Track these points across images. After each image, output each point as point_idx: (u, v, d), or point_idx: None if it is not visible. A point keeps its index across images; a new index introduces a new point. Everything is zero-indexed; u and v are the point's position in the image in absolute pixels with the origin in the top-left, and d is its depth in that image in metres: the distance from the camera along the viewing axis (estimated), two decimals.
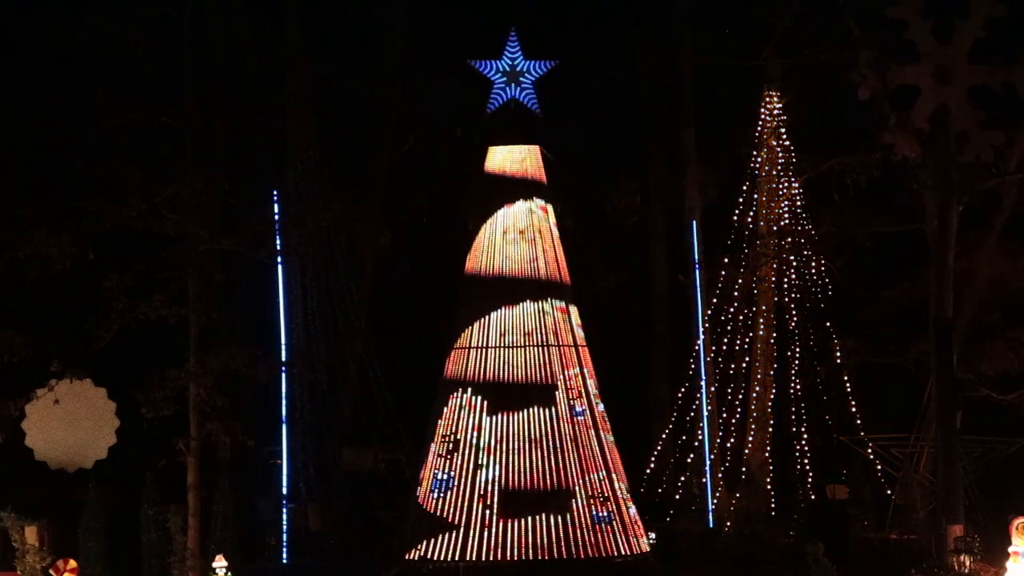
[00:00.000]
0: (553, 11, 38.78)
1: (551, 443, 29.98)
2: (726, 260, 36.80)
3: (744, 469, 37.06)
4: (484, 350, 30.27)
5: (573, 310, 31.17)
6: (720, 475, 36.97)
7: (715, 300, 37.00)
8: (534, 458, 29.88)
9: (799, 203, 36.50)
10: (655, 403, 40.95)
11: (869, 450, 34.64)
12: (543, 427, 30.06)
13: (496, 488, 29.64)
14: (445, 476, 30.04)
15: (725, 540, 35.09)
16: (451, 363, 30.73)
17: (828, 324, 36.23)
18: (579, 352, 30.91)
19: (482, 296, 30.66)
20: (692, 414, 36.98)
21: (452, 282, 32.09)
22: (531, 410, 30.01)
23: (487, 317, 30.43)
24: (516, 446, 29.89)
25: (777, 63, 36.96)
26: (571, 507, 29.60)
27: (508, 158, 31.25)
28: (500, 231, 30.95)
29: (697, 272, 37.79)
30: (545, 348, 30.39)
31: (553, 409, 30.11)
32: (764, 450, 36.89)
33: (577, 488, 29.85)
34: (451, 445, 30.17)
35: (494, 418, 29.96)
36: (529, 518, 29.50)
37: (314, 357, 33.43)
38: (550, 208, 31.48)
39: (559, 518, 29.56)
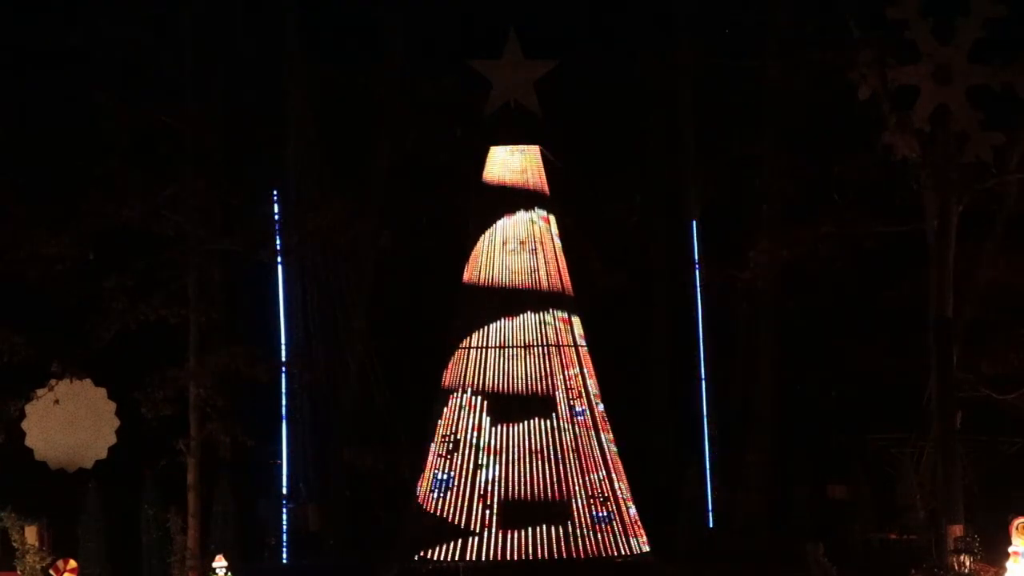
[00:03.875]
0: (553, 11, 38.72)
1: (551, 444, 29.97)
2: (726, 260, 36.80)
3: (744, 469, 37.08)
4: (484, 350, 30.22)
5: (576, 320, 31.08)
6: (720, 475, 36.97)
7: (715, 300, 37.00)
8: (534, 459, 29.88)
9: (799, 203, 36.48)
10: (655, 403, 40.98)
11: (869, 450, 34.63)
12: (543, 428, 30.06)
13: (496, 488, 29.62)
14: (445, 476, 30.03)
15: (725, 540, 35.08)
16: (448, 373, 30.66)
17: (828, 324, 36.24)
18: (579, 353, 30.88)
19: (481, 306, 30.58)
20: (692, 414, 36.97)
21: (452, 282, 32.08)
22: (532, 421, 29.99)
23: (486, 328, 30.35)
24: (516, 444, 29.91)
25: (777, 63, 36.96)
26: (571, 512, 29.54)
27: (507, 167, 31.15)
28: (500, 241, 30.86)
29: (697, 272, 37.78)
30: (544, 349, 30.35)
31: (553, 414, 30.07)
32: (764, 450, 36.87)
33: (577, 488, 29.83)
34: (451, 445, 30.15)
35: (496, 429, 29.94)
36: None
37: (314, 357, 33.38)
38: (552, 219, 31.38)
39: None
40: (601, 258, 36.72)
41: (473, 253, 31.02)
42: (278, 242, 32.48)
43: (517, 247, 30.80)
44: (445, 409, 30.57)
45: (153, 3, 32.18)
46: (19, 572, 28.47)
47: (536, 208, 31.04)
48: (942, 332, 29.93)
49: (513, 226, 30.91)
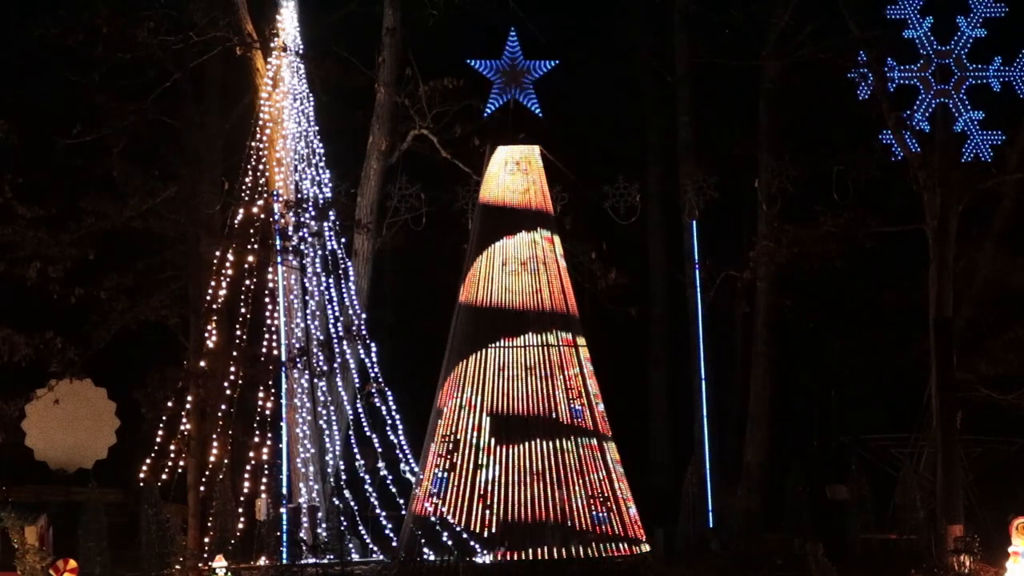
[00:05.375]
0: (553, 11, 38.75)
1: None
2: (726, 260, 36.82)
3: (743, 469, 37.09)
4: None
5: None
6: (719, 475, 36.97)
7: (714, 300, 37.00)
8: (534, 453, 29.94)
9: (799, 203, 36.50)
10: (655, 403, 40.98)
11: (869, 450, 34.64)
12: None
13: (496, 487, 29.64)
14: (445, 476, 30.04)
15: (724, 540, 35.09)
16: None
17: (827, 324, 36.27)
18: (578, 352, 30.85)
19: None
20: (692, 414, 36.97)
21: (452, 281, 32.07)
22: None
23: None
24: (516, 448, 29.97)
25: (776, 63, 36.97)
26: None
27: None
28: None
29: (697, 272, 37.78)
30: (545, 347, 30.33)
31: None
32: (764, 449, 36.89)
33: (577, 488, 29.83)
34: (451, 445, 30.15)
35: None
36: (529, 517, 29.49)
37: (314, 357, 33.33)
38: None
39: (559, 518, 29.54)
40: (601, 258, 36.71)
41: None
42: (278, 242, 32.44)
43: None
44: (445, 409, 30.58)
45: (153, 3, 32.11)
46: (19, 572, 28.46)
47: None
48: (942, 332, 29.97)
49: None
